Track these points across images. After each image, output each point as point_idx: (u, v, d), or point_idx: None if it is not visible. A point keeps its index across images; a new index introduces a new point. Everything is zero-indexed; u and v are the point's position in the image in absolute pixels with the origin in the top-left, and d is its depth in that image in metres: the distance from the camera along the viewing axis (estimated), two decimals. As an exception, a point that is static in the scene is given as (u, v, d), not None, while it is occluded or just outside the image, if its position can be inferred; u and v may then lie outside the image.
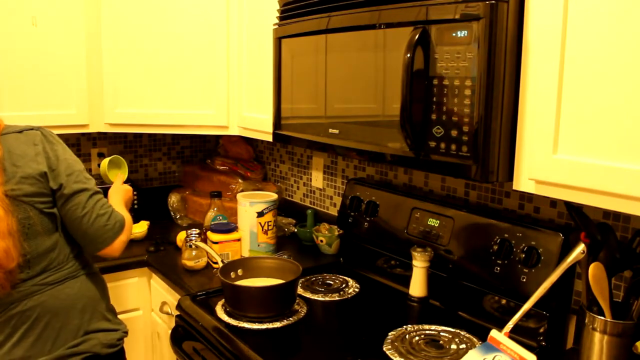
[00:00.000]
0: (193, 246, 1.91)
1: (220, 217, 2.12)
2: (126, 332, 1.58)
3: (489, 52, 1.06)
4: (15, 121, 1.54)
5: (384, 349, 1.34)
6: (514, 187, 1.13)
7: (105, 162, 1.82)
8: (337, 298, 1.66)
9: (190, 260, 1.90)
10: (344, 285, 1.76)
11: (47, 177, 1.39)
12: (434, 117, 1.17)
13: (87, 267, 1.52)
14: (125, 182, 2.37)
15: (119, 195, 1.68)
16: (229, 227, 1.98)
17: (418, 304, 1.61)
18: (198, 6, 2.07)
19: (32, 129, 1.44)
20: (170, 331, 1.68)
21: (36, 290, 1.39)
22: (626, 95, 0.92)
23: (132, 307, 2.08)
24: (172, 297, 1.89)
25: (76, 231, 1.45)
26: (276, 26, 1.67)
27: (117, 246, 1.49)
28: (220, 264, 1.67)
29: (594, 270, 1.11)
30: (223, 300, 1.60)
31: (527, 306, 1.18)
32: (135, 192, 2.38)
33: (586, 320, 1.15)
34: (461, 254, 1.54)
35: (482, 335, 1.33)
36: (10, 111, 2.01)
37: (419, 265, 1.60)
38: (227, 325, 1.47)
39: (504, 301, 1.44)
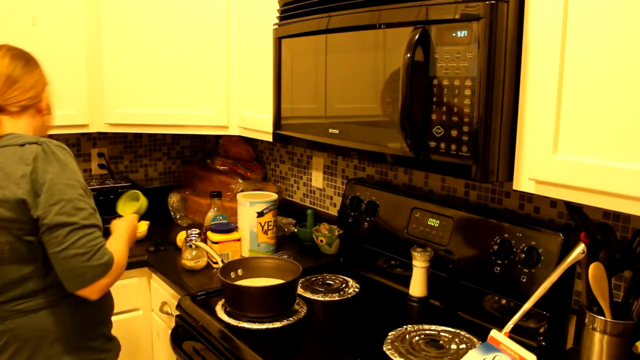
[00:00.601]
0: (193, 246, 1.91)
1: (220, 217, 2.12)
2: None
3: (489, 52, 1.06)
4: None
5: (384, 349, 1.34)
6: (514, 187, 1.13)
7: (122, 197, 1.76)
8: (337, 298, 1.66)
9: (190, 260, 1.90)
10: (344, 285, 1.76)
11: (27, 204, 1.25)
12: (434, 117, 1.17)
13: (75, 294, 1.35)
14: (126, 183, 2.39)
15: (122, 226, 1.52)
16: (229, 227, 1.98)
17: (418, 304, 1.61)
18: (198, 6, 2.07)
19: (35, 143, 1.30)
20: (170, 331, 1.68)
21: (7, 316, 1.31)
22: (626, 96, 0.92)
23: (132, 307, 2.08)
24: (172, 297, 1.89)
25: (54, 266, 1.29)
26: (276, 26, 1.67)
27: (95, 289, 1.30)
28: (220, 264, 1.67)
29: (594, 270, 1.11)
30: (223, 300, 1.60)
31: (527, 306, 1.18)
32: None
33: (586, 320, 1.15)
34: (461, 254, 1.54)
35: (482, 335, 1.33)
36: (10, 111, 2.00)
37: (419, 265, 1.60)
38: (227, 325, 1.47)
39: (504, 301, 1.44)
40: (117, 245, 1.40)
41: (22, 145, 1.30)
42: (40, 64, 1.45)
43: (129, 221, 1.57)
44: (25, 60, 1.40)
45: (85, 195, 1.32)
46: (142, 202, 1.76)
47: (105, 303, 1.47)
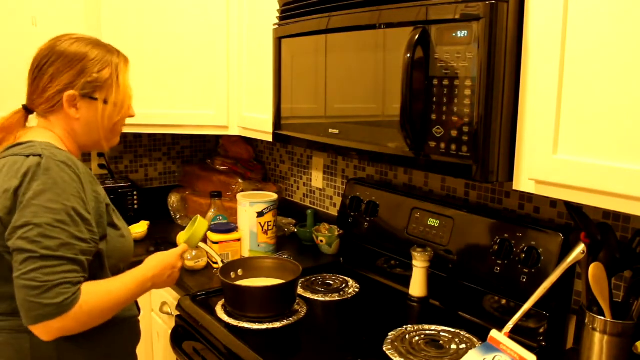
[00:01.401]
0: (193, 246, 1.91)
1: (220, 217, 2.12)
2: None
3: (489, 52, 1.06)
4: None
5: (384, 349, 1.34)
6: (514, 187, 1.13)
7: (189, 224, 1.57)
8: (337, 298, 1.66)
9: (190, 260, 1.90)
10: (344, 285, 1.76)
11: (1, 221, 1.14)
12: (434, 117, 1.17)
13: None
14: (127, 184, 2.39)
15: (150, 263, 1.38)
16: (229, 227, 1.98)
17: (418, 304, 1.61)
18: (198, 6, 2.07)
19: (38, 155, 1.17)
20: (170, 331, 1.68)
21: None
22: (626, 95, 0.92)
23: (132, 307, 2.07)
24: (172, 297, 1.89)
25: None
26: (276, 26, 1.67)
27: (44, 330, 1.11)
28: (220, 264, 1.66)
29: (594, 270, 1.11)
30: (223, 300, 1.60)
31: (527, 306, 1.18)
32: (135, 193, 2.39)
33: (586, 320, 1.15)
34: (461, 254, 1.54)
35: (482, 335, 1.33)
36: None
37: (419, 265, 1.60)
38: (227, 325, 1.47)
39: (504, 301, 1.44)
40: (114, 287, 1.23)
41: (27, 156, 1.18)
42: (81, 59, 1.25)
43: (164, 258, 1.41)
44: (47, 57, 1.25)
45: (70, 223, 1.13)
46: (197, 228, 1.52)
47: (107, 338, 1.28)
